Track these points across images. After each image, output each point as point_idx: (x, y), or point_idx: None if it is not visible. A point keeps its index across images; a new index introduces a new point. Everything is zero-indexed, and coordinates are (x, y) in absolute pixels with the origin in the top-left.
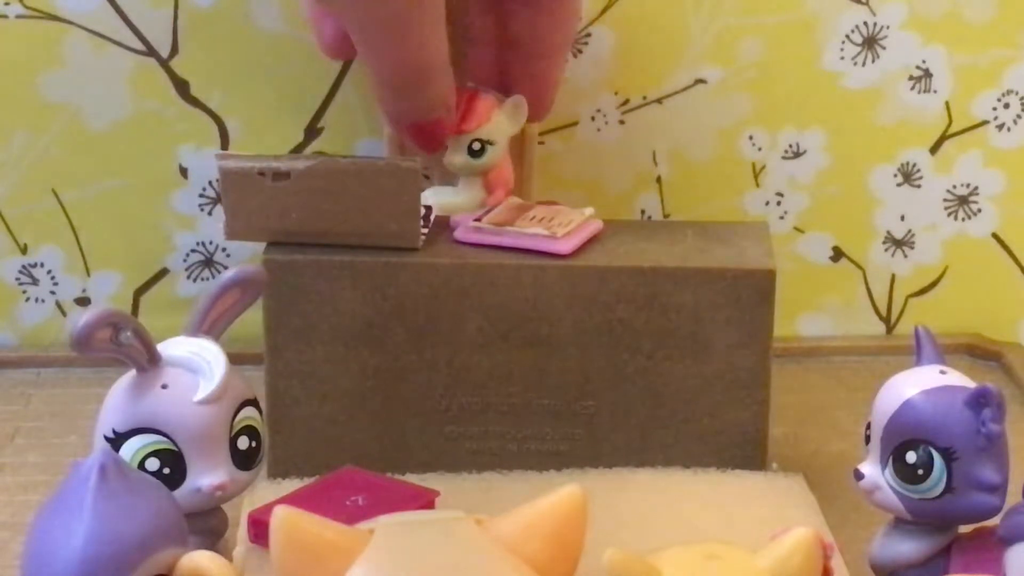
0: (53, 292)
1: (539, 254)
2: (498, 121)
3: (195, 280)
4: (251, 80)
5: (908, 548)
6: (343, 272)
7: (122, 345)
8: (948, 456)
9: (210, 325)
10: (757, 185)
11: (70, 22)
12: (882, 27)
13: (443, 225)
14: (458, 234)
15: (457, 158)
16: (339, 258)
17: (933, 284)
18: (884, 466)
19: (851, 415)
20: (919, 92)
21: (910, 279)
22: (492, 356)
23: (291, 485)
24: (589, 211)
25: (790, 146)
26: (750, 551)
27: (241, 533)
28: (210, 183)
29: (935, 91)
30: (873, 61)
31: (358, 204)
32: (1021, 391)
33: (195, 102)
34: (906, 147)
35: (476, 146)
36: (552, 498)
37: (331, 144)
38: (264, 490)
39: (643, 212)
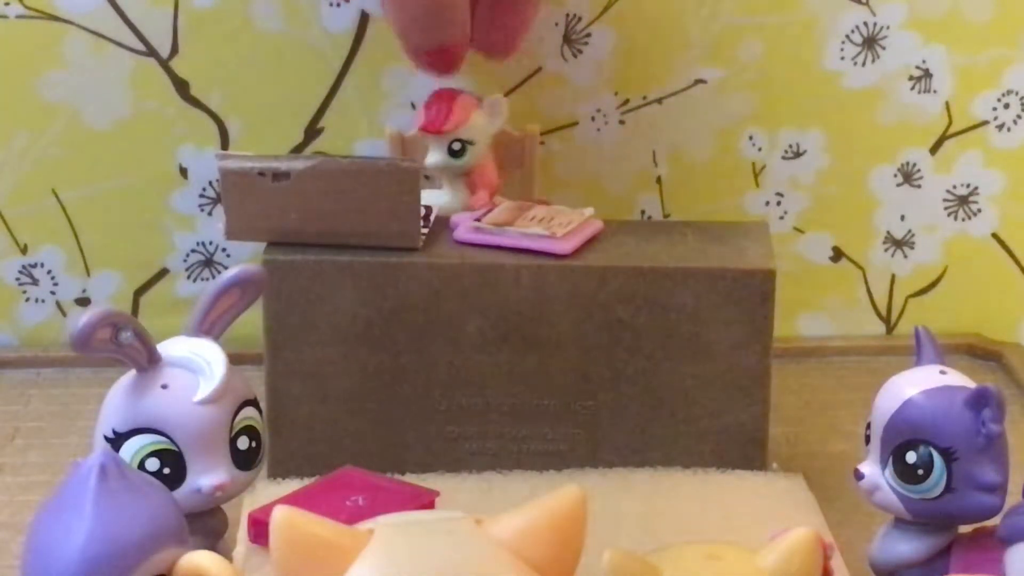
0: (53, 292)
1: (539, 254)
2: (477, 121)
3: (195, 280)
4: (251, 80)
5: (908, 548)
6: (343, 272)
7: (122, 345)
8: (948, 456)
9: (210, 325)
10: (757, 185)
11: (70, 22)
12: (882, 27)
13: (443, 225)
14: (458, 234)
15: (437, 159)
16: (339, 258)
17: (933, 284)
18: (884, 466)
19: (851, 415)
20: (919, 92)
21: (910, 279)
22: (492, 356)
23: (291, 485)
24: (589, 211)
25: (790, 146)
26: (750, 551)
27: (241, 533)
28: (210, 183)
29: (935, 91)
30: (873, 61)
31: (358, 204)
32: (1021, 391)
33: (195, 102)
34: (906, 147)
35: (456, 146)
36: (552, 498)
37: (331, 144)
38: (264, 490)
39: (643, 212)
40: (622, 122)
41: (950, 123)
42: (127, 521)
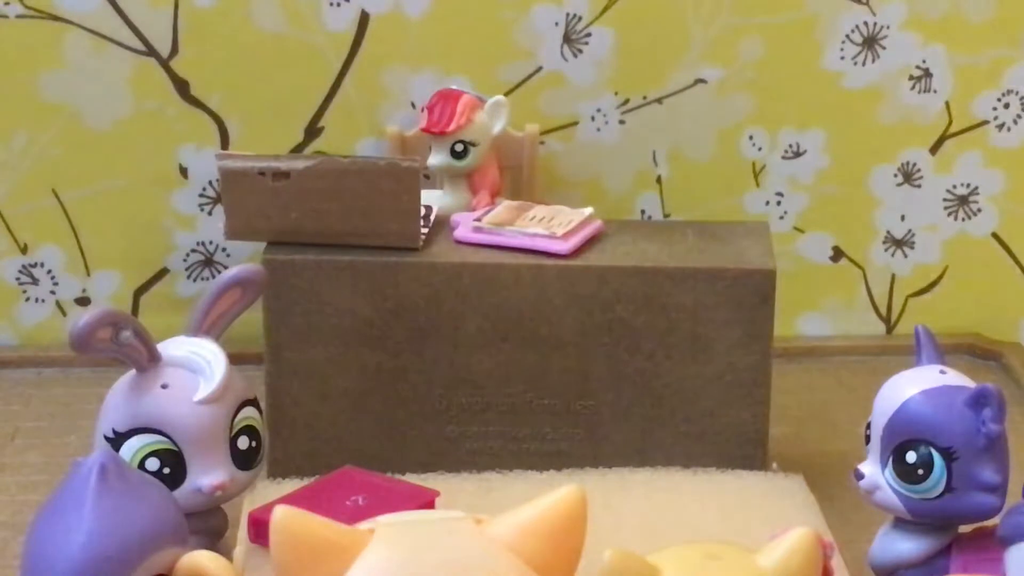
0: (53, 292)
1: (539, 254)
2: (480, 122)
3: (195, 280)
4: (251, 80)
5: (908, 548)
6: (343, 272)
7: (122, 345)
8: (948, 456)
9: (210, 325)
10: (757, 185)
11: (70, 22)
12: (882, 27)
13: (443, 225)
14: (458, 234)
15: (440, 160)
16: (339, 258)
17: (933, 284)
18: (884, 466)
19: (851, 415)
20: (919, 92)
21: (910, 279)
22: (492, 356)
23: (291, 485)
24: (589, 211)
25: (790, 146)
26: (750, 551)
27: (241, 533)
28: (210, 183)
29: (935, 91)
30: (873, 61)
31: (358, 204)
32: (1021, 391)
33: (195, 102)
34: (906, 147)
35: (459, 148)
36: (552, 498)
37: (331, 144)
38: (264, 490)
39: (643, 212)
40: (622, 122)
41: (950, 123)
42: (127, 521)
